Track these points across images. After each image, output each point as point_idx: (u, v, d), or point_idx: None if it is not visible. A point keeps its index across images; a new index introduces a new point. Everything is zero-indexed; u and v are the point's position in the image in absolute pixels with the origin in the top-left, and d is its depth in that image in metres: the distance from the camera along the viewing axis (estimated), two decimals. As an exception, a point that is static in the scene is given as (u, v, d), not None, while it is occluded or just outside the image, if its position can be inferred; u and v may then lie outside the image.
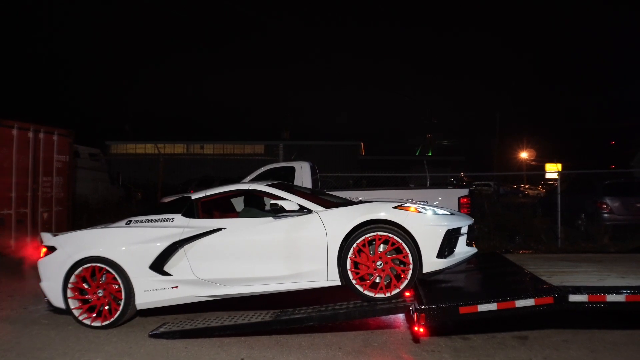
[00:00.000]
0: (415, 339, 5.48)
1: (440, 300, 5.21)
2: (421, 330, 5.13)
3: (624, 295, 5.14)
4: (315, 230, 5.69)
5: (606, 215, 13.52)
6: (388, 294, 5.45)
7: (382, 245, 5.54)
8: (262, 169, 10.76)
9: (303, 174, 10.53)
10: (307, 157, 12.55)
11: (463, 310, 5.10)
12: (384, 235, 5.50)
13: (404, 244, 5.46)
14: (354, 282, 5.51)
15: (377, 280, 5.50)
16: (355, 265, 5.53)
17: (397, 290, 5.46)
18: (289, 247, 5.73)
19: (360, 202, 6.17)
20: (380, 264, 5.49)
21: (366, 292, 5.49)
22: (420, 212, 5.68)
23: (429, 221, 5.60)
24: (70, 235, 6.32)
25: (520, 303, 5.10)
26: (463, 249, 5.79)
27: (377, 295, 5.46)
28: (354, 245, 5.51)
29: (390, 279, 5.50)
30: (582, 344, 5.37)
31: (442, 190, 10.56)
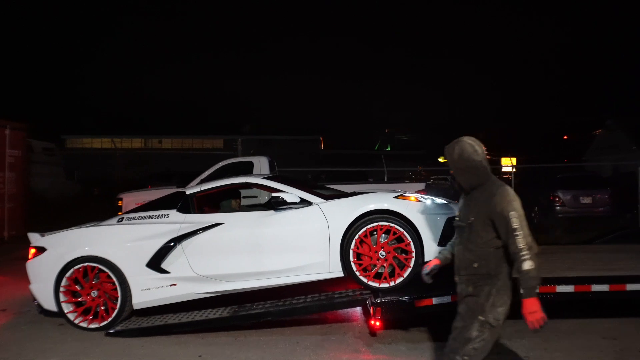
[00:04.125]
0: (372, 332, 5.54)
1: (396, 294, 5.29)
2: (378, 323, 5.20)
3: (573, 285, 5.31)
4: (317, 222, 5.64)
5: (559, 207, 13.91)
6: (392, 283, 5.42)
7: (383, 235, 5.51)
8: (219, 164, 10.68)
9: (261, 169, 10.51)
10: (266, 152, 12.52)
11: (418, 303, 5.19)
12: (386, 225, 5.47)
13: (405, 233, 5.44)
14: (357, 273, 5.48)
15: (380, 270, 5.48)
16: (358, 256, 5.50)
17: (401, 279, 5.43)
18: (291, 240, 5.66)
19: (355, 193, 6.12)
20: (383, 254, 5.46)
21: (370, 283, 5.45)
22: (420, 201, 5.70)
23: (429, 210, 5.61)
24: (60, 235, 6.11)
25: (474, 295, 5.21)
26: None
27: (381, 286, 5.43)
28: (356, 236, 5.48)
29: (394, 268, 5.49)
30: (535, 334, 5.51)
31: (399, 185, 10.68)
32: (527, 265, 3.14)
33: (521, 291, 3.21)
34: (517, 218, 3.18)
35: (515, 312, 6.03)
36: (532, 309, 3.17)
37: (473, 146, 3.39)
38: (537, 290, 3.17)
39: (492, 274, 3.37)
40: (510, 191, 3.30)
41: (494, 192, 3.30)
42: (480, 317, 3.32)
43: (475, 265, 3.41)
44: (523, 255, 3.14)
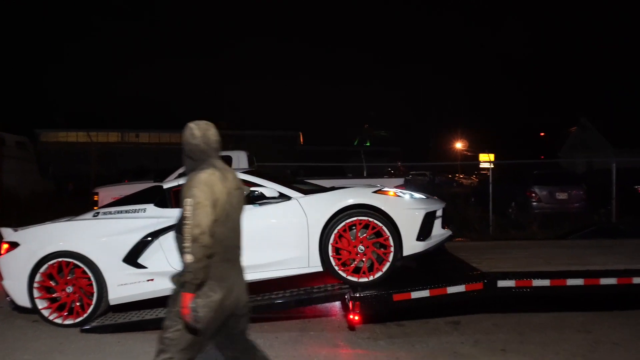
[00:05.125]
0: (351, 326, 5.55)
1: (375, 288, 5.30)
2: (356, 318, 5.21)
3: (549, 280, 5.38)
4: (295, 217, 5.62)
5: (535, 203, 14.08)
6: (371, 277, 5.43)
7: (362, 230, 5.50)
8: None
9: (240, 164, 10.46)
10: (245, 147, 12.45)
11: (397, 297, 5.21)
12: (364, 220, 5.47)
13: (384, 228, 5.44)
14: (336, 267, 5.47)
15: (359, 265, 5.48)
16: (337, 250, 5.50)
17: (380, 273, 5.44)
18: (270, 235, 5.64)
19: (334, 188, 6.09)
20: (362, 249, 5.46)
21: (349, 277, 5.46)
22: (398, 196, 5.72)
23: (407, 205, 5.64)
24: (34, 230, 6.00)
25: (451, 289, 5.27)
26: (439, 232, 5.83)
27: (360, 280, 5.44)
28: (335, 231, 5.47)
29: (372, 263, 5.49)
30: (511, 327, 5.58)
31: (378, 180, 10.70)
32: (185, 258, 2.96)
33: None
34: (191, 206, 3.01)
35: (490, 306, 6.12)
36: (182, 303, 2.99)
37: (192, 129, 3.30)
38: (195, 285, 2.98)
39: None
40: (201, 177, 3.12)
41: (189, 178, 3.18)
42: (177, 308, 3.10)
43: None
44: (185, 246, 2.97)
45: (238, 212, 3.36)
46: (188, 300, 2.97)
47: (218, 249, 3.12)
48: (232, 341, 3.36)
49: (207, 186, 3.09)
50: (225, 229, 3.18)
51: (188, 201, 3.03)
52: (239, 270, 3.36)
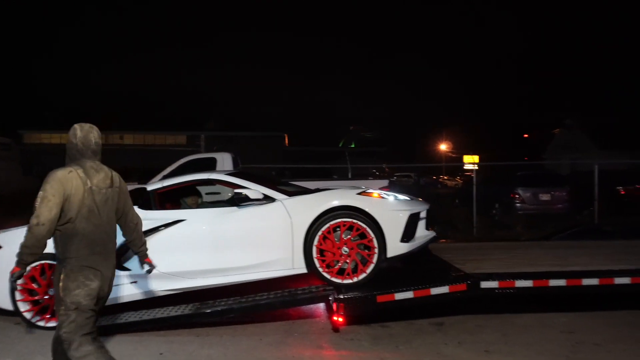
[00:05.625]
0: (335, 328, 5.55)
1: (359, 290, 5.31)
2: (340, 319, 5.22)
3: (532, 280, 5.42)
4: (280, 218, 5.61)
5: (519, 205, 14.21)
6: (355, 279, 5.44)
7: (346, 232, 5.50)
8: (181, 160, 10.57)
9: (224, 166, 10.44)
10: (230, 149, 12.43)
11: (380, 298, 5.22)
12: (349, 222, 5.47)
13: (368, 229, 5.44)
14: (320, 269, 5.48)
15: (344, 266, 5.49)
16: (321, 252, 5.50)
17: (364, 275, 5.45)
18: (254, 237, 5.63)
19: (318, 190, 6.10)
20: (346, 250, 5.47)
21: (333, 279, 5.46)
22: (382, 197, 5.73)
23: (391, 206, 5.64)
24: (16, 232, 5.89)
25: (435, 290, 5.29)
26: (423, 233, 5.84)
27: (344, 282, 5.44)
28: (319, 232, 5.46)
29: (357, 264, 5.49)
30: (495, 328, 5.61)
31: (362, 182, 10.72)
32: (24, 238, 3.42)
33: None
34: (39, 197, 3.42)
35: (478, 307, 6.16)
36: (12, 271, 3.46)
37: (75, 130, 3.67)
38: (25, 261, 3.46)
39: (61, 258, 3.57)
40: (57, 174, 3.50)
41: None
42: (61, 303, 3.53)
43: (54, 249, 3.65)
44: (27, 229, 3.43)
45: (106, 209, 3.66)
46: (15, 270, 3.45)
47: (83, 243, 3.50)
48: None
49: (58, 183, 3.45)
50: (88, 224, 3.53)
51: (40, 193, 3.42)
52: (111, 263, 3.72)
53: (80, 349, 3.42)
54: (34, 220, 3.38)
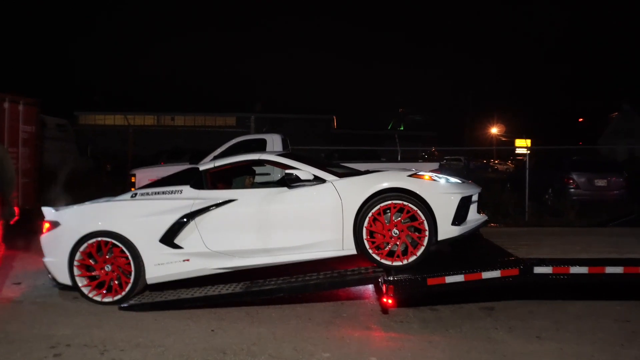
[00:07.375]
0: (384, 310, 5.55)
1: (409, 272, 5.28)
2: (390, 301, 5.19)
3: (587, 267, 5.28)
4: (330, 199, 5.61)
5: (572, 190, 13.81)
6: (405, 262, 5.40)
7: (397, 214, 5.48)
8: (232, 141, 10.65)
9: (274, 147, 10.48)
10: (279, 130, 12.47)
11: (431, 281, 5.18)
12: (399, 204, 5.44)
13: (419, 212, 5.40)
14: (370, 251, 5.45)
15: (393, 248, 5.46)
16: (371, 234, 5.48)
17: (414, 257, 5.40)
18: (304, 217, 5.65)
19: (369, 171, 6.06)
20: (396, 232, 5.43)
21: (383, 261, 5.44)
22: (434, 180, 5.67)
23: (443, 189, 5.58)
24: (74, 210, 6.14)
25: (486, 275, 5.20)
26: (475, 217, 5.77)
27: (394, 264, 5.41)
28: (369, 214, 5.45)
29: (407, 247, 5.46)
30: (546, 315, 5.51)
31: (412, 164, 10.62)
32: None
33: None
34: None
35: (528, 293, 6.05)
36: None
37: None
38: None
39: None
40: None
41: None
42: None
43: None
44: None
45: None
46: None
47: None
48: None
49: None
50: None
51: None
52: None
53: None
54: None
